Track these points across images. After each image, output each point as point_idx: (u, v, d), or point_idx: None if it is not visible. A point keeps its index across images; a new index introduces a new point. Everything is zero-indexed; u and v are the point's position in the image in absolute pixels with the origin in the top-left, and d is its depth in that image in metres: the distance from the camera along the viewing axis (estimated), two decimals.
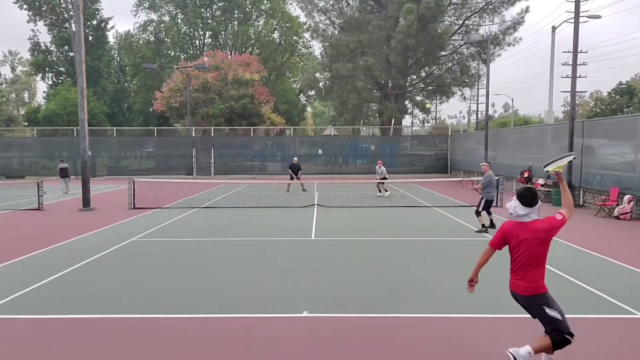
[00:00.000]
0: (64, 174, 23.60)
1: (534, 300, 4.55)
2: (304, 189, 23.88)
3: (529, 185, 4.58)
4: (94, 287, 7.73)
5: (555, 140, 20.74)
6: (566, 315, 6.51)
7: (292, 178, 24.09)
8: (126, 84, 59.13)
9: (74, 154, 33.24)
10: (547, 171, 4.86)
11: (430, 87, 43.96)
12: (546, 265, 9.12)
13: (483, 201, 12.48)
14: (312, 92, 52.80)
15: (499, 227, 4.84)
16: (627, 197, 14.77)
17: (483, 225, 12.42)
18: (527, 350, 4.55)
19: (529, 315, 6.34)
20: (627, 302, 6.75)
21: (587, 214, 15.85)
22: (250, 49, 55.54)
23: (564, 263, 8.99)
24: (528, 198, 4.48)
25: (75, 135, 36.05)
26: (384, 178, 22.25)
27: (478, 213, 12.61)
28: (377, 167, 22.67)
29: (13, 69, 76.81)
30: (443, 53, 40.34)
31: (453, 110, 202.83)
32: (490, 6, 39.23)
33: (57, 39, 50.09)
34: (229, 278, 8.24)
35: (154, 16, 57.44)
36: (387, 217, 15.37)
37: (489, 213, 12.61)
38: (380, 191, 21.95)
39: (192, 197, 21.41)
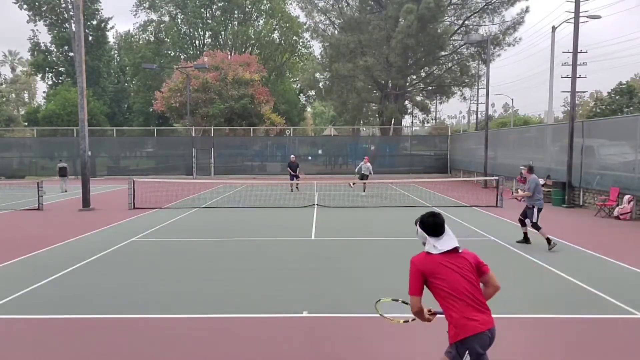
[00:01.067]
0: (62, 173, 23.94)
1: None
2: (296, 188, 23.92)
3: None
4: (93, 287, 7.72)
5: (555, 140, 20.73)
6: (567, 315, 6.54)
7: (292, 177, 24.03)
8: (126, 84, 59.13)
9: (74, 154, 33.23)
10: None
11: (430, 87, 43.95)
12: (546, 265, 9.12)
13: (535, 210, 10.48)
14: (312, 92, 52.78)
15: None
16: (627, 197, 14.76)
17: (548, 240, 10.23)
18: None
19: (527, 315, 6.37)
20: (628, 302, 6.74)
21: (587, 214, 15.86)
22: (250, 49, 55.53)
23: (563, 263, 8.99)
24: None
25: (75, 135, 36.04)
26: (365, 176, 22.25)
27: (523, 222, 10.85)
28: (362, 162, 22.77)
29: (13, 69, 76.79)
30: (443, 53, 40.33)
31: (453, 110, 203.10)
32: (490, 6, 39.24)
33: (57, 39, 50.10)
34: (229, 278, 8.23)
35: (153, 16, 57.51)
36: (387, 217, 15.37)
37: (537, 227, 10.44)
38: (365, 190, 22.26)
39: (192, 197, 21.41)
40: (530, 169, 11.04)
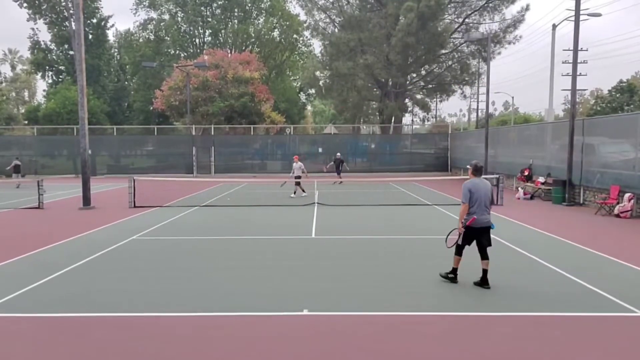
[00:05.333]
0: (17, 170, 24.85)
1: None
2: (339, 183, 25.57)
3: None
4: (94, 285, 7.73)
5: (555, 138, 20.72)
6: (567, 314, 6.55)
7: (337, 172, 26.06)
8: (126, 83, 59.09)
9: (74, 153, 33.20)
10: None
11: (431, 85, 43.94)
12: (546, 263, 9.11)
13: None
14: (312, 91, 52.79)
15: None
16: (627, 195, 14.75)
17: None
18: None
19: (527, 313, 6.37)
20: (628, 300, 6.75)
21: (587, 212, 15.85)
22: (250, 47, 55.48)
23: (564, 261, 8.99)
24: None
25: (75, 133, 35.98)
26: (298, 177, 20.34)
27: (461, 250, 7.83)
28: (293, 163, 20.71)
29: (13, 68, 76.73)
30: (443, 51, 40.28)
31: (453, 108, 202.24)
32: (490, 4, 39.18)
33: (57, 38, 50.06)
34: (229, 276, 8.24)
35: (153, 14, 57.45)
36: (388, 215, 15.37)
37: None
38: (295, 192, 20.44)
39: (192, 195, 21.41)
40: (477, 170, 7.49)
